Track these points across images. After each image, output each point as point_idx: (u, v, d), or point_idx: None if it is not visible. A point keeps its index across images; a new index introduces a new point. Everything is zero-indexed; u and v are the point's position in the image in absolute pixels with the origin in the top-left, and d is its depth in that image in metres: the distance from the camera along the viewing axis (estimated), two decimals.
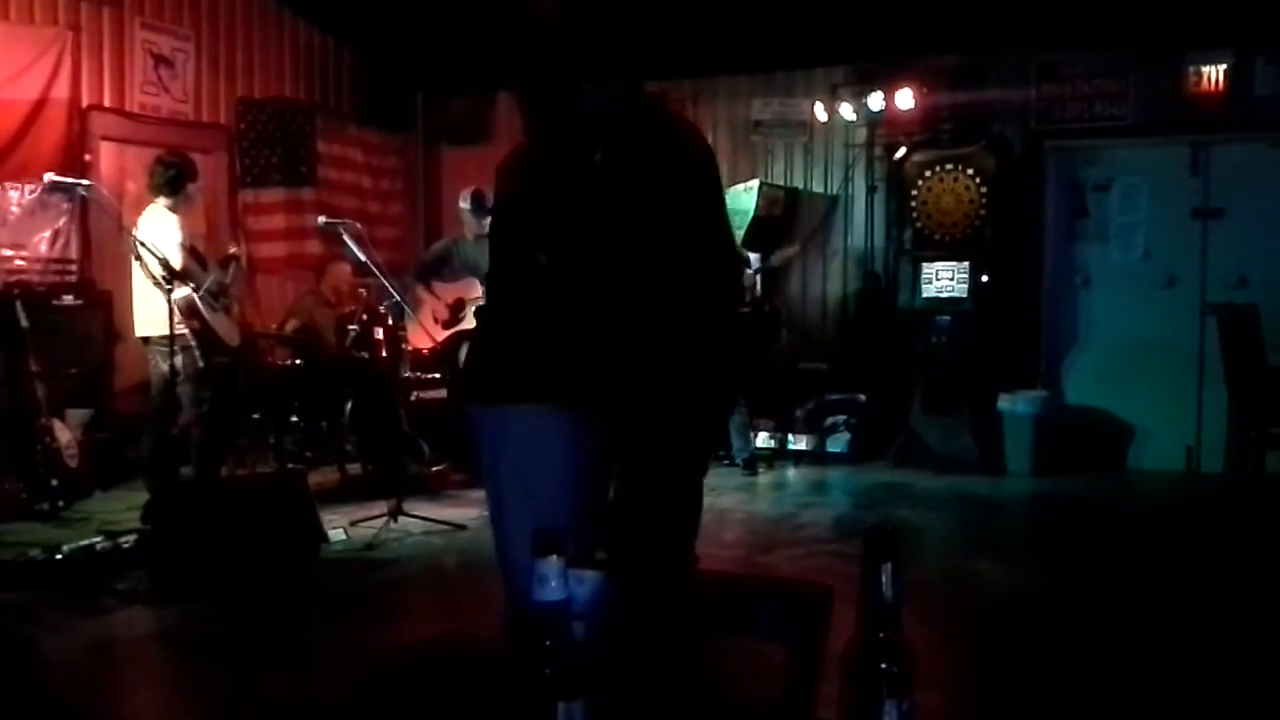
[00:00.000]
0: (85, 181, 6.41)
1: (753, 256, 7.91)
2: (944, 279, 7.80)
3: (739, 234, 7.67)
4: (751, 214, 7.85)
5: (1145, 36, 7.46)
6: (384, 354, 6.61)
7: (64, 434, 6.31)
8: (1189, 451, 7.61)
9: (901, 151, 8.06)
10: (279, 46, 8.67)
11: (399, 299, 6.54)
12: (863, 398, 8.05)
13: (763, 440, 7.88)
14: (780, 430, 8.05)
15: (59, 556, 4.94)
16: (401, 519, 5.77)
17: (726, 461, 7.61)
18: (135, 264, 5.80)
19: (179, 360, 5.83)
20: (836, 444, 8.01)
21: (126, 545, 5.07)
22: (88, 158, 7.07)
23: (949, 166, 7.78)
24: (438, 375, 7.38)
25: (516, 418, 2.39)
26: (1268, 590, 4.82)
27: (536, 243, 2.40)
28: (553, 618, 1.28)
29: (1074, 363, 8.04)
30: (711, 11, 7.54)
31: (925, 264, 7.90)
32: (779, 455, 7.94)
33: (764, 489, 7.18)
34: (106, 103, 7.29)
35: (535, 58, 2.40)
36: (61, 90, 6.90)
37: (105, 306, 6.97)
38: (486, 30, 8.23)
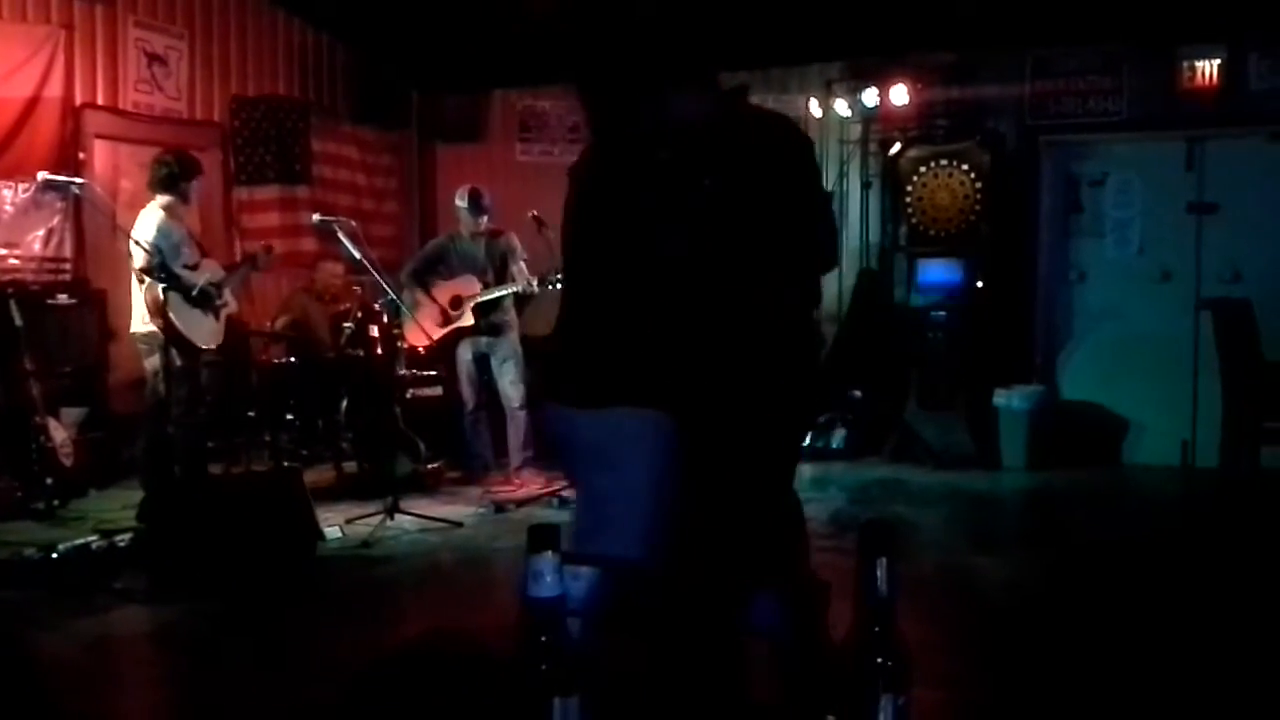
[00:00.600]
0: (79, 180, 6.40)
1: None
2: (939, 275, 7.81)
3: None
4: None
5: (1139, 32, 7.47)
6: (379, 351, 6.60)
7: (59, 433, 6.30)
8: (1184, 446, 7.63)
9: (896, 147, 8.07)
10: (273, 44, 8.65)
11: (394, 296, 6.53)
12: (858, 394, 8.05)
13: None
14: None
15: (54, 555, 4.92)
16: (397, 517, 5.77)
17: None
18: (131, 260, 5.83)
19: (156, 359, 5.84)
20: (832, 440, 8.01)
21: (122, 544, 5.06)
22: (81, 156, 7.06)
23: (944, 162, 7.78)
24: (433, 373, 7.38)
25: (613, 419, 2.34)
26: (1262, 585, 4.83)
27: (641, 250, 2.34)
28: (548, 614, 1.28)
29: (1069, 358, 8.05)
30: (706, 7, 7.53)
31: (920, 260, 7.91)
32: None
33: None
34: (100, 101, 7.27)
35: (618, 60, 2.36)
36: (55, 88, 6.89)
37: (99, 305, 6.96)
38: (481, 28, 8.24)
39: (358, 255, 6.10)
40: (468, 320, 6.92)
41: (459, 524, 5.89)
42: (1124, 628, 4.34)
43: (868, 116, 8.32)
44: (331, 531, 5.55)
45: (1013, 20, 7.50)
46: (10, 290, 6.33)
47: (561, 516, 6.07)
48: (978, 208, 7.69)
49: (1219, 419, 6.73)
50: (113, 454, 6.84)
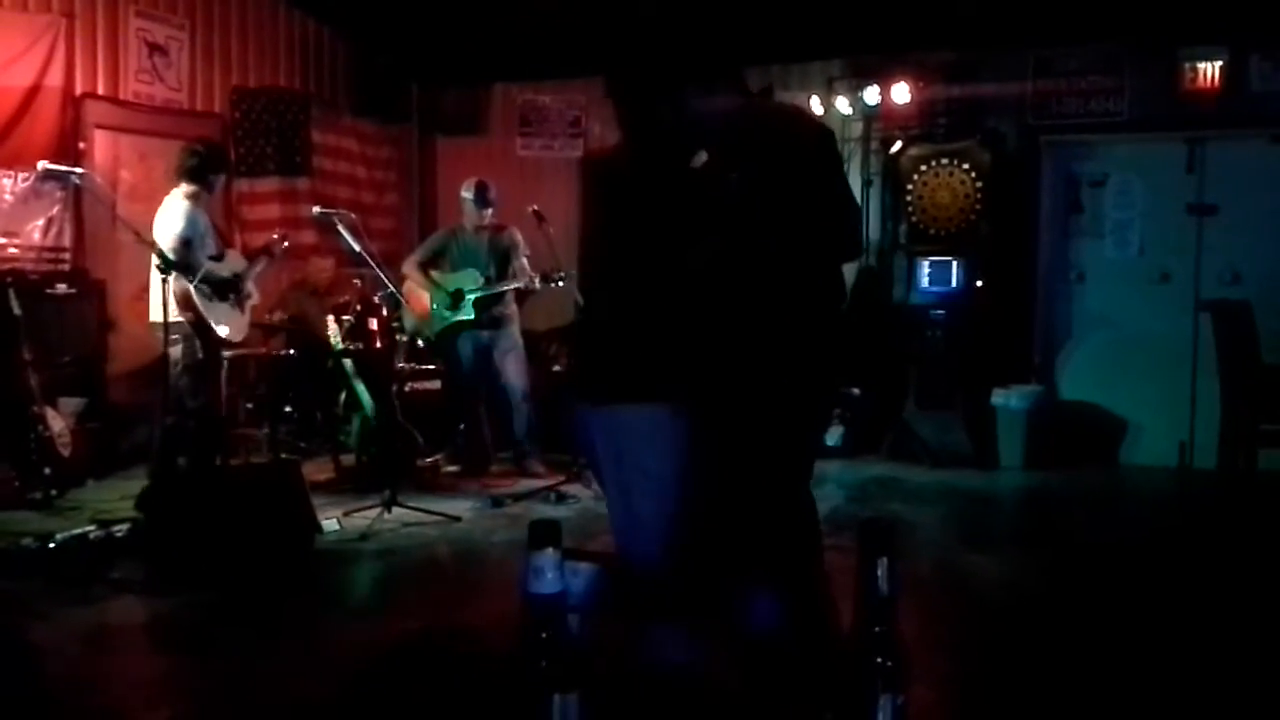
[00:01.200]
0: (79, 169, 6.40)
1: None
2: (939, 274, 7.81)
3: None
4: None
5: (1141, 32, 7.46)
6: (378, 345, 6.60)
7: (57, 422, 6.29)
8: (1182, 447, 7.63)
9: (897, 146, 8.06)
10: (274, 36, 8.64)
11: (393, 289, 6.54)
12: (856, 391, 8.05)
13: None
14: None
15: (51, 545, 4.93)
16: (395, 510, 5.77)
17: None
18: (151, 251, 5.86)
19: (179, 350, 5.85)
20: (830, 437, 8.00)
21: (119, 534, 5.07)
22: (81, 146, 7.04)
23: (944, 161, 7.78)
24: (431, 366, 7.38)
25: (641, 416, 2.37)
26: (1259, 587, 4.83)
27: (666, 249, 2.35)
28: (548, 610, 1.28)
29: (1068, 358, 8.05)
30: (706, 5, 7.52)
31: (920, 258, 7.91)
32: None
33: None
34: (100, 90, 7.25)
35: (650, 59, 2.37)
36: (55, 78, 6.88)
37: (98, 295, 6.95)
38: (482, 21, 8.23)
39: (357, 248, 6.11)
40: (468, 315, 6.92)
41: (456, 518, 5.89)
42: (1120, 628, 4.34)
43: (869, 115, 8.32)
44: (329, 524, 5.55)
45: (1014, 19, 7.50)
46: (9, 280, 6.32)
47: (559, 512, 6.07)
48: (978, 207, 7.69)
49: (1217, 420, 6.73)
50: (111, 444, 6.85)
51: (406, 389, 7.06)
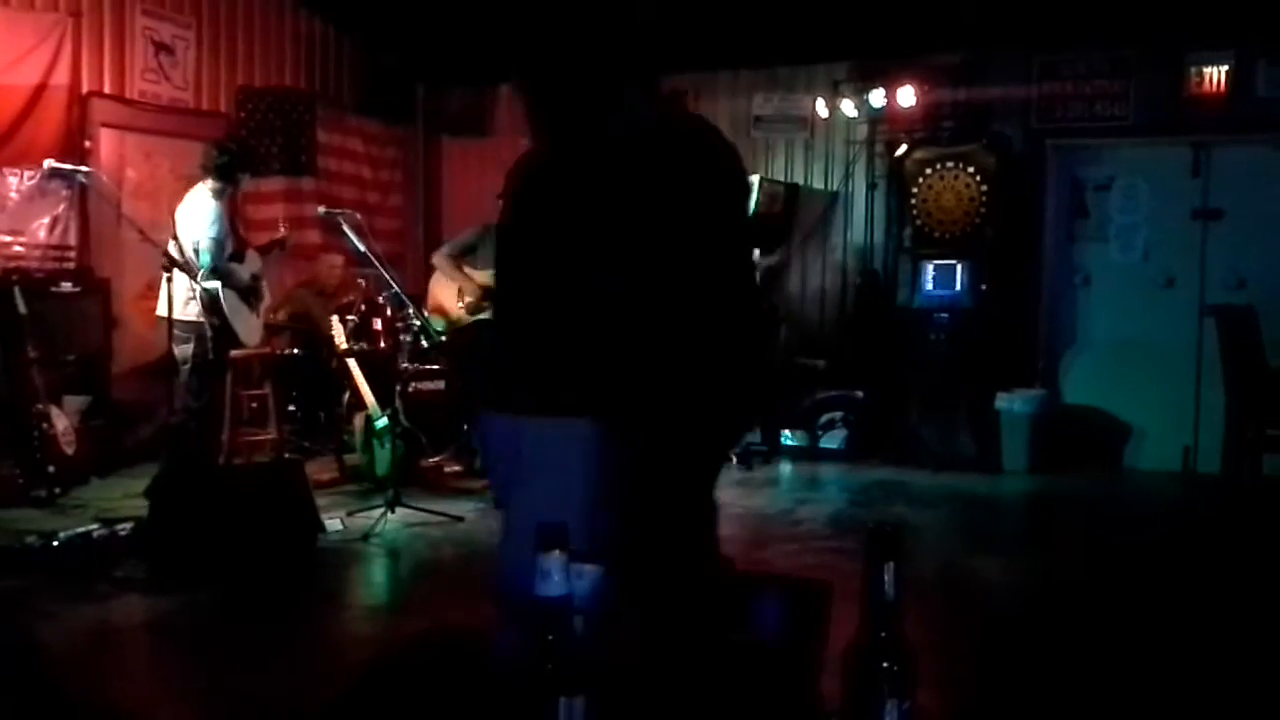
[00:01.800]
0: (85, 168, 6.42)
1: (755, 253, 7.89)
2: (943, 277, 7.81)
3: None
4: (751, 210, 7.84)
5: (1147, 37, 7.46)
6: (382, 345, 6.60)
7: (61, 421, 6.30)
8: (1186, 452, 7.62)
9: (902, 149, 8.06)
10: (280, 35, 8.65)
11: (398, 289, 6.53)
12: (860, 394, 8.05)
13: (757, 435, 7.86)
14: (778, 426, 8.04)
15: (55, 543, 4.93)
16: (399, 510, 5.77)
17: None
18: (170, 242, 5.93)
19: (189, 348, 5.87)
20: (833, 440, 8.01)
21: (123, 533, 5.07)
22: (87, 144, 7.05)
23: (949, 164, 7.77)
24: (435, 367, 7.38)
25: (539, 428, 2.35)
26: (1263, 591, 4.83)
27: (580, 257, 2.32)
28: (554, 613, 1.28)
29: (1072, 362, 8.04)
30: (714, 6, 7.53)
31: (925, 262, 7.90)
32: (774, 451, 7.93)
33: (759, 484, 7.18)
34: (107, 89, 7.26)
35: (564, 63, 2.33)
36: (61, 76, 6.89)
37: (103, 293, 6.96)
38: (488, 22, 8.22)
39: (362, 248, 6.12)
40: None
41: (460, 518, 5.89)
42: (1125, 632, 4.34)
43: (874, 117, 8.32)
44: (332, 524, 5.56)
45: (1020, 23, 7.49)
46: (15, 278, 6.34)
47: None
48: (983, 210, 7.68)
49: (1221, 425, 6.73)
50: (115, 442, 6.85)
51: (410, 389, 7.06)
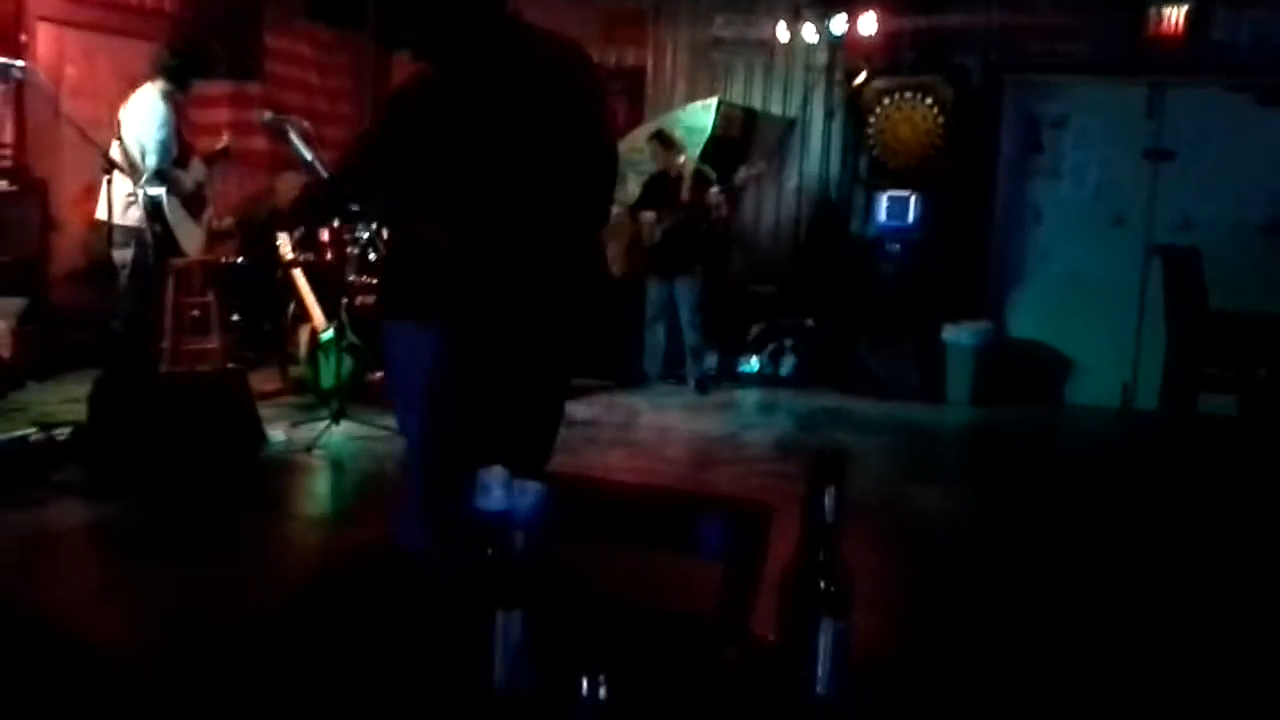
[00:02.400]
0: (20, 63, 6.19)
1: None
2: (896, 208, 7.82)
3: (695, 151, 7.60)
4: (709, 132, 7.77)
5: None
6: (329, 257, 6.49)
7: None
8: (1125, 388, 7.76)
9: (861, 77, 8.00)
10: None
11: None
12: (811, 322, 8.08)
13: (712, 362, 7.88)
14: (730, 352, 8.07)
15: None
16: (344, 423, 5.74)
17: (674, 381, 7.66)
18: (114, 144, 5.77)
19: (128, 253, 5.75)
20: (784, 367, 8.06)
21: (61, 438, 5.00)
22: (23, 38, 6.79)
23: (908, 95, 7.74)
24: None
25: (403, 332, 2.66)
26: (1193, 524, 4.96)
27: (450, 173, 2.54)
28: (494, 528, 1.27)
29: (1019, 296, 8.12)
30: None
31: (879, 192, 7.91)
32: (728, 377, 7.96)
33: (711, 409, 7.22)
34: None
35: None
36: None
37: (40, 194, 6.76)
38: None
39: (309, 156, 5.99)
40: None
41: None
42: (1056, 559, 4.45)
43: (834, 44, 8.24)
44: (276, 435, 5.52)
45: None
46: None
47: None
48: (939, 142, 7.68)
49: (1161, 364, 6.85)
50: (53, 346, 6.71)
51: (358, 302, 6.96)
